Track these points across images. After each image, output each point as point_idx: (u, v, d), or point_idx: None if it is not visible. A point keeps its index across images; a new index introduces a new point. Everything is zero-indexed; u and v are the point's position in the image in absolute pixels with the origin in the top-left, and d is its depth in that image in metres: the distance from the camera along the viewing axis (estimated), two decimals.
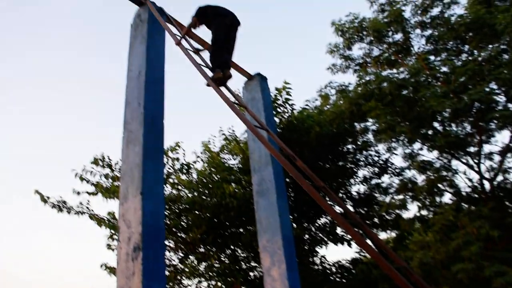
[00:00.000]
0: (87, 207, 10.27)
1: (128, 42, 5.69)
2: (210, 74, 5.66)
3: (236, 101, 5.43)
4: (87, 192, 10.26)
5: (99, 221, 10.23)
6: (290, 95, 11.14)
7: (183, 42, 5.96)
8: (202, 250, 10.93)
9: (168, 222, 10.34)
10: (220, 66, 5.72)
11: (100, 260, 12.82)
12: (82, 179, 10.08)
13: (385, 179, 13.13)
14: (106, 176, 10.33)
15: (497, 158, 12.65)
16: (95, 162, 10.33)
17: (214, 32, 6.06)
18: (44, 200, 9.95)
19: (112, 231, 10.35)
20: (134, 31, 5.66)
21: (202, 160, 11.69)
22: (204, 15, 6.21)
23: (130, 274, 4.06)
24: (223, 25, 6.05)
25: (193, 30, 6.42)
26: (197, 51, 6.20)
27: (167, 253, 10.76)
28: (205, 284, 11.37)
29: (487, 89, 10.76)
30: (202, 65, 5.75)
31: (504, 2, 12.32)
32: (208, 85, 5.36)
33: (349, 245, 11.56)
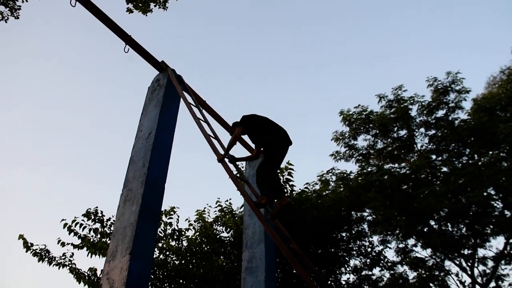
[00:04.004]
0: (70, 260, 9.97)
1: (143, 104, 5.88)
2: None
3: (239, 176, 5.49)
4: (73, 245, 10.01)
5: (79, 276, 9.88)
6: (292, 176, 11.22)
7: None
8: None
9: (150, 287, 10.00)
10: (274, 196, 4.85)
11: None
12: (70, 230, 9.87)
13: (376, 271, 12.87)
14: (95, 231, 10.12)
15: (490, 263, 12.52)
16: (87, 215, 10.17)
17: (271, 156, 5.09)
18: (27, 246, 9.70)
19: None
20: (151, 94, 5.87)
21: (194, 228, 11.52)
22: (249, 126, 5.53)
23: None
24: (281, 151, 5.22)
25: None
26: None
27: None
28: None
29: (485, 194, 10.88)
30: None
31: (505, 112, 12.80)
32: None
33: None
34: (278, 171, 5.27)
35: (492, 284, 12.29)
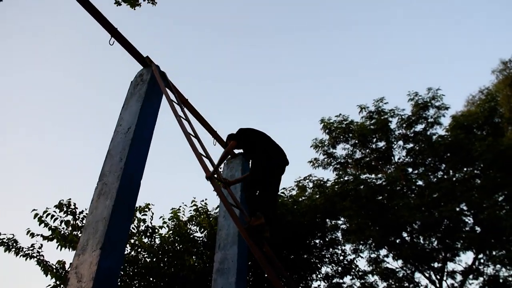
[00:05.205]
0: (38, 252, 9.76)
1: (124, 97, 5.80)
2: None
3: (216, 176, 5.44)
4: (42, 236, 9.81)
5: (47, 268, 9.68)
6: None
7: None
8: None
9: (119, 284, 9.87)
10: (257, 209, 4.58)
11: None
12: (41, 221, 9.66)
13: (347, 280, 12.97)
14: (67, 223, 9.93)
15: (459, 277, 12.77)
16: (59, 206, 9.97)
17: (254, 172, 4.91)
18: None
19: (58, 282, 9.77)
20: (133, 89, 5.79)
21: (168, 226, 11.42)
22: (244, 140, 5.24)
23: None
24: (268, 168, 4.89)
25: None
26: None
27: None
28: None
29: (458, 209, 11.10)
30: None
31: (481, 131, 13.09)
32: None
33: None
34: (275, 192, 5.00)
35: None
